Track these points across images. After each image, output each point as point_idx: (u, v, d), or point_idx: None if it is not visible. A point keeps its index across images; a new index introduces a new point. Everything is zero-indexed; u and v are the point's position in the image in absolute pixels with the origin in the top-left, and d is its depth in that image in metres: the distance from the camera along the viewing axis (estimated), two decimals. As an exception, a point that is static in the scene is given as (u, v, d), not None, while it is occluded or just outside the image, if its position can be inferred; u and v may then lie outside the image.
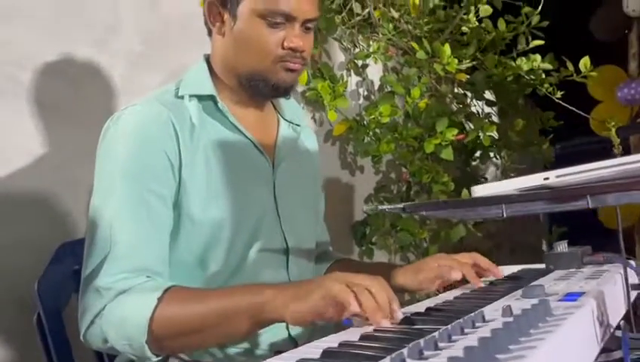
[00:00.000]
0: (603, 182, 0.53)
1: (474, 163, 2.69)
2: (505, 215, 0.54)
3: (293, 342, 0.98)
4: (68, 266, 1.09)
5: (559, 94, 2.39)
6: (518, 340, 0.47)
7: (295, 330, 1.00)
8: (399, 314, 0.68)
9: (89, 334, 0.87)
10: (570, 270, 0.95)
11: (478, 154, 2.51)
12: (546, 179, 0.54)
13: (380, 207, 0.50)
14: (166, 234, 0.93)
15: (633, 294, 0.93)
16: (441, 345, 0.47)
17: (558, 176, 0.54)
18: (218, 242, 0.96)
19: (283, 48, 0.98)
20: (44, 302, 1.05)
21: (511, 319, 0.53)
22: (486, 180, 2.75)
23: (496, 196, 0.56)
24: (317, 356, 0.52)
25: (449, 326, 0.53)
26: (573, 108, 2.43)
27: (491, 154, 2.50)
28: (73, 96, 1.38)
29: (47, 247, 1.13)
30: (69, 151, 1.34)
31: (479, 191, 0.58)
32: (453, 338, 0.50)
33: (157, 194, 0.91)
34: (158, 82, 1.55)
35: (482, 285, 0.96)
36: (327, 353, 0.52)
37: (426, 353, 0.46)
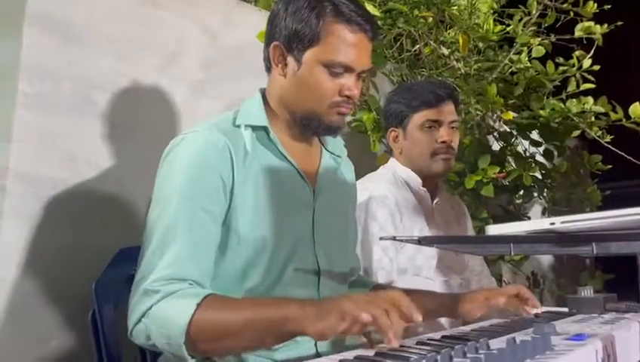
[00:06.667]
0: (606, 231, 0.58)
1: (518, 201, 2.69)
2: (512, 253, 0.59)
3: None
4: (124, 271, 1.20)
5: (609, 138, 2.38)
6: (512, 367, 0.52)
7: (322, 347, 1.07)
8: (418, 316, 0.77)
9: (135, 331, 0.96)
10: (592, 315, 0.98)
11: (521, 193, 2.51)
12: (552, 224, 0.59)
13: (398, 237, 0.55)
14: (213, 249, 1.02)
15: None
16: (441, 364, 0.54)
17: (563, 222, 0.59)
18: (259, 259, 1.05)
19: (340, 95, 1.09)
20: (100, 302, 1.16)
21: (508, 348, 0.58)
22: (529, 220, 2.74)
23: (505, 235, 0.61)
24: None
25: (453, 349, 0.59)
26: (623, 154, 2.40)
27: (535, 194, 2.50)
28: (137, 116, 1.52)
29: (106, 252, 1.25)
30: (131, 166, 1.47)
31: (493, 230, 0.64)
32: (455, 360, 0.56)
33: (209, 212, 1.01)
34: (214, 107, 1.68)
35: (530, 311, 1.09)
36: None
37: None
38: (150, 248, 0.99)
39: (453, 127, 1.62)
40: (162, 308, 0.93)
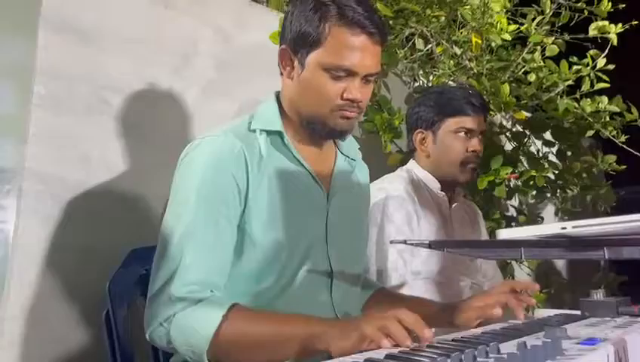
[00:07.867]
0: (618, 236, 0.58)
1: (531, 202, 2.67)
2: (523, 257, 0.59)
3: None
4: (137, 270, 1.22)
5: (623, 138, 2.36)
6: (522, 372, 0.52)
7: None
8: (428, 333, 0.78)
9: (155, 334, 0.98)
10: (604, 318, 0.97)
11: (534, 193, 2.49)
12: (564, 228, 0.59)
13: (408, 241, 0.55)
14: (230, 252, 1.04)
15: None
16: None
17: (574, 227, 0.59)
18: (273, 262, 1.06)
19: (342, 99, 1.08)
20: (114, 301, 1.17)
21: (519, 353, 0.58)
22: (542, 220, 2.72)
23: (515, 239, 0.61)
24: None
25: (464, 353, 0.59)
26: (638, 154, 2.38)
27: (548, 195, 2.48)
28: (150, 117, 1.53)
29: (122, 252, 1.26)
30: (145, 167, 1.49)
31: (503, 234, 0.64)
32: (465, 364, 0.56)
33: (225, 216, 1.02)
34: (226, 108, 1.69)
35: (523, 314, 1.03)
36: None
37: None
38: (169, 250, 1.00)
39: (482, 137, 1.63)
40: (187, 317, 0.95)
